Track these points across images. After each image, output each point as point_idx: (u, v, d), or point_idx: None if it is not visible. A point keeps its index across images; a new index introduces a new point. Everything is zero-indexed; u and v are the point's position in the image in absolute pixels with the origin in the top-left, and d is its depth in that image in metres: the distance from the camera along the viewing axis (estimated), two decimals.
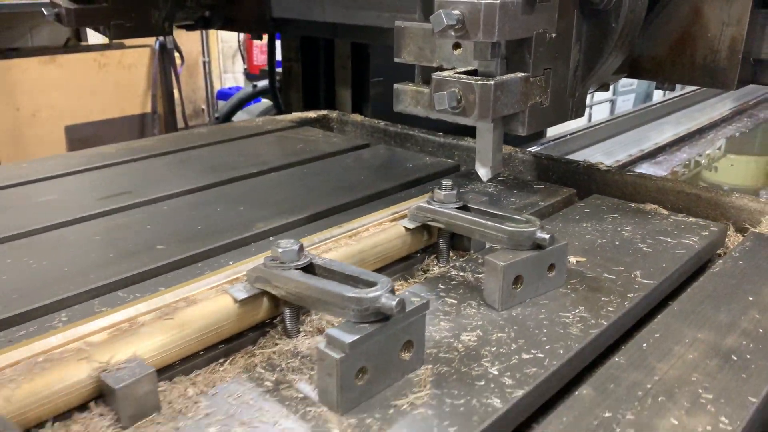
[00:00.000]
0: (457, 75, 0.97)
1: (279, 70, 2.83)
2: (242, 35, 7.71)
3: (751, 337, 0.82)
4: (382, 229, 0.96)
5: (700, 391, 0.72)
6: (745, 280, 0.96)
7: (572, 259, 0.99)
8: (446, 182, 0.97)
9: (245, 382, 0.72)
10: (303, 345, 0.79)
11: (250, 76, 8.15)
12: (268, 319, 0.82)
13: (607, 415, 0.68)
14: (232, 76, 8.22)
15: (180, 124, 7.14)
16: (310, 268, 0.78)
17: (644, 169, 3.02)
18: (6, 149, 5.71)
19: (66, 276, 0.93)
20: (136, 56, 6.56)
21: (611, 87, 1.86)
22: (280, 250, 0.77)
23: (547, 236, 0.87)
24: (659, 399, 0.71)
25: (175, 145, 1.55)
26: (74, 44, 6.89)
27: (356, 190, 1.27)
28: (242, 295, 0.77)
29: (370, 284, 0.71)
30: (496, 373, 0.74)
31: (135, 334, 0.70)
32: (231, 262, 0.94)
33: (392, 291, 0.69)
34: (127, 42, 6.29)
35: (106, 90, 6.33)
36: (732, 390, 0.72)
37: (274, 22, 2.04)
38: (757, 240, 1.10)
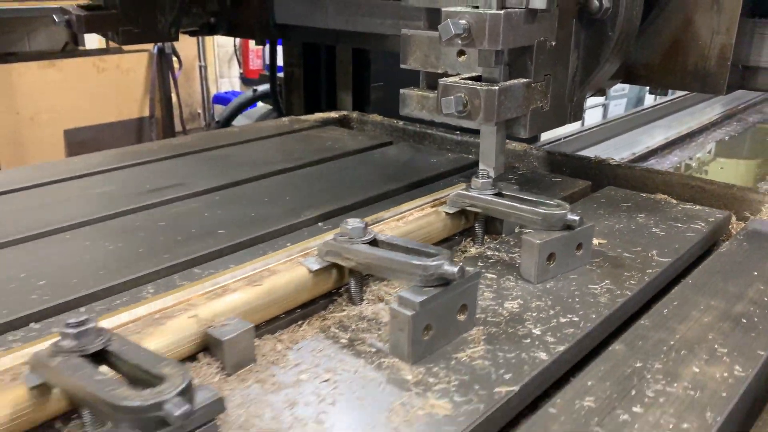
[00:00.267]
0: (462, 81, 1.04)
1: (280, 74, 2.89)
2: (239, 40, 7.81)
3: (757, 305, 0.94)
4: (425, 214, 1.08)
5: (716, 346, 0.84)
6: (749, 258, 1.08)
7: (594, 241, 1.11)
8: (483, 171, 1.08)
9: (323, 339, 0.83)
10: (367, 310, 0.90)
11: (246, 80, 8.23)
12: (335, 288, 0.93)
13: (638, 365, 0.80)
14: (228, 80, 8.30)
15: (177, 128, 7.21)
16: (374, 243, 0.89)
17: None
18: (5, 152, 5.74)
19: (143, 256, 1.04)
20: (135, 61, 6.60)
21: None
22: (348, 227, 0.88)
23: (576, 218, 0.98)
24: (681, 352, 0.82)
25: (212, 142, 1.66)
26: (72, 48, 6.93)
27: (390, 181, 1.39)
28: (315, 267, 0.88)
29: (431, 255, 0.83)
30: (539, 333, 0.85)
31: (231, 297, 0.80)
32: (288, 244, 1.04)
33: (452, 260, 0.80)
34: (126, 46, 6.36)
35: (105, 94, 6.36)
36: (743, 346, 0.84)
37: (278, 28, 2.09)
38: (759, 225, 1.22)
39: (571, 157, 1.58)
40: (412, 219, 1.06)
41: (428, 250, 0.84)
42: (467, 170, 1.48)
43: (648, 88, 1.49)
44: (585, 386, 0.76)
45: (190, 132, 7.61)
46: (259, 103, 5.27)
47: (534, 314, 0.90)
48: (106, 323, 0.72)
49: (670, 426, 0.70)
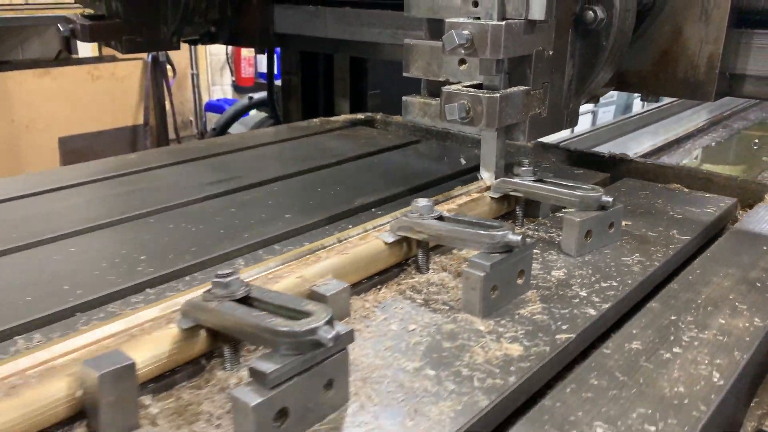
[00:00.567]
0: (465, 88, 1.11)
1: (277, 82, 2.95)
2: (231, 48, 7.93)
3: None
4: (472, 199, 1.23)
5: (736, 304, 0.99)
6: (757, 237, 1.24)
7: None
8: (524, 160, 1.23)
9: (402, 300, 0.98)
10: (434, 278, 1.05)
11: (238, 88, 8.34)
12: (404, 259, 1.07)
13: (673, 318, 0.95)
14: (220, 88, 8.39)
15: (171, 135, 7.30)
16: (440, 218, 1.04)
17: None
18: (0, 160, 5.80)
19: (225, 236, 1.18)
20: (129, 69, 6.67)
21: None
22: (419, 205, 1.03)
23: (610, 199, 1.14)
24: (708, 308, 0.98)
25: (253, 141, 1.80)
26: (65, 57, 7.00)
27: (429, 174, 1.53)
28: (390, 239, 1.03)
29: (495, 227, 0.97)
30: (585, 294, 1.00)
31: (324, 263, 0.95)
32: (350, 226, 1.18)
33: (515, 231, 0.95)
34: (120, 55, 6.44)
35: (100, 102, 6.43)
36: (760, 303, 1.00)
37: (278, 37, 2.16)
38: (763, 210, 1.38)
39: (587, 153, 1.74)
40: (462, 203, 1.20)
41: (491, 223, 0.99)
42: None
43: (637, 95, 1.61)
44: (631, 334, 0.91)
45: (184, 140, 7.71)
46: (252, 111, 5.38)
47: (578, 280, 1.05)
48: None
49: (706, 362, 0.85)
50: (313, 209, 1.31)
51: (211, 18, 2.14)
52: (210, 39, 2.21)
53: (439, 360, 0.83)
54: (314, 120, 2.07)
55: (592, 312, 0.95)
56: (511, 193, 1.24)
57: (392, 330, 0.90)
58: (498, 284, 0.94)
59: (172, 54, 7.15)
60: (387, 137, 1.88)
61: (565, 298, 0.99)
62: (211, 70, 8.30)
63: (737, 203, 1.43)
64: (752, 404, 0.99)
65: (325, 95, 2.63)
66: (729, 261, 1.14)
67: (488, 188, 1.26)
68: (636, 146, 3.92)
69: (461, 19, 1.06)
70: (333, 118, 2.09)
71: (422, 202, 1.04)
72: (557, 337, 0.89)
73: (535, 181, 1.22)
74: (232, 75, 8.32)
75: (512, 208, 1.27)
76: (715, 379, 0.81)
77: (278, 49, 2.61)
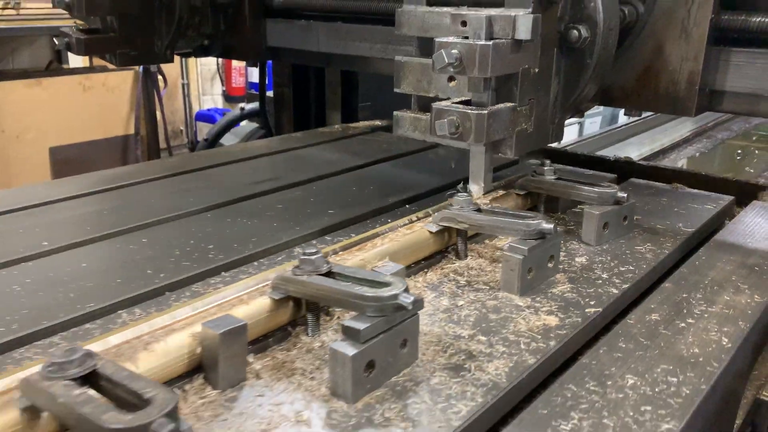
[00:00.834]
0: (454, 105, 1.17)
1: (269, 92, 3.03)
2: (221, 59, 8.06)
3: (765, 258, 1.26)
4: (500, 196, 1.38)
5: (739, 284, 1.16)
6: (754, 230, 1.41)
7: None
8: (545, 160, 1.39)
9: (447, 281, 1.13)
10: (472, 263, 1.20)
11: (229, 98, 8.45)
12: (445, 247, 1.23)
13: (684, 295, 1.11)
14: (210, 98, 8.50)
15: (162, 145, 7.38)
16: (479, 210, 1.19)
17: None
18: None
19: (279, 228, 1.33)
20: (120, 79, 6.72)
21: None
22: (460, 198, 1.18)
23: (625, 195, 1.30)
24: (714, 288, 1.14)
25: (282, 146, 1.96)
26: (56, 67, 7.09)
27: (450, 176, 1.69)
28: (434, 229, 1.18)
29: (529, 217, 1.13)
30: (606, 276, 1.16)
31: (380, 248, 1.10)
32: (389, 220, 1.34)
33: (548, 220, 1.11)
34: (111, 65, 6.53)
35: (91, 112, 6.47)
36: (759, 284, 1.16)
37: (270, 50, 2.20)
38: (759, 207, 1.55)
39: (594, 157, 1.90)
40: (492, 198, 1.36)
41: (525, 214, 1.15)
42: (512, 166, 1.80)
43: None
44: (649, 308, 1.07)
45: (175, 149, 7.81)
46: (243, 122, 5.51)
47: (599, 265, 1.21)
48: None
49: (715, 329, 1.01)
50: (353, 205, 1.46)
51: (204, 32, 2.18)
52: (203, 52, 2.27)
53: (488, 328, 0.98)
54: (335, 126, 2.22)
55: (614, 291, 1.11)
56: (534, 190, 1.40)
57: (443, 305, 1.05)
58: (533, 267, 1.10)
59: (163, 64, 7.21)
60: (406, 142, 2.03)
61: (590, 280, 1.15)
62: (201, 80, 8.42)
63: (734, 201, 1.60)
64: (751, 376, 1.15)
65: (316, 107, 2.69)
66: (729, 250, 1.30)
67: (513, 185, 1.42)
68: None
69: (450, 39, 1.12)
70: (353, 125, 2.24)
71: (462, 196, 1.19)
72: (586, 310, 1.04)
73: (556, 179, 1.38)
74: (222, 85, 8.44)
75: (536, 203, 1.43)
76: (724, 343, 0.97)
77: (270, 61, 2.66)
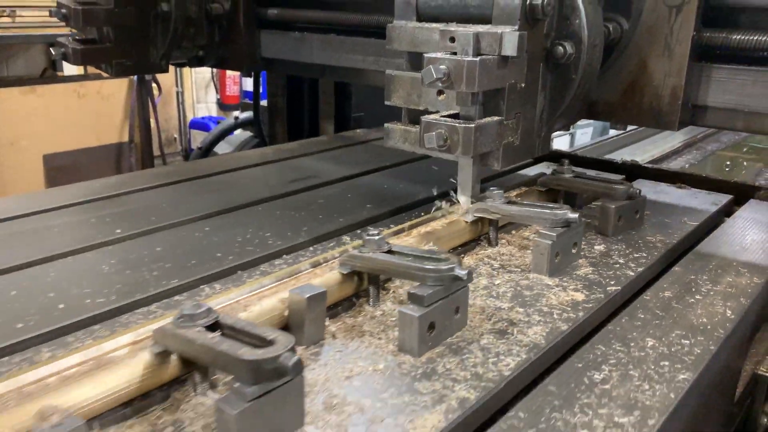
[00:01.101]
0: (442, 118, 1.23)
1: (263, 102, 3.10)
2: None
3: (761, 247, 1.44)
4: (525, 192, 1.56)
5: (739, 268, 1.34)
6: (751, 222, 1.59)
7: None
8: (565, 161, 1.57)
9: (482, 265, 1.31)
10: (503, 250, 1.38)
11: (223, 106, 8.60)
12: (478, 236, 1.40)
13: (692, 277, 1.29)
14: (205, 106, 8.63)
15: (156, 152, 7.50)
16: (510, 203, 1.37)
17: None
18: None
19: (325, 220, 1.50)
20: (115, 87, 6.82)
21: None
22: (494, 192, 1.36)
23: (638, 191, 1.48)
24: (718, 271, 1.32)
25: (311, 149, 2.14)
26: (51, 74, 7.19)
27: None
28: (470, 218, 1.36)
29: (556, 208, 1.31)
30: (623, 261, 1.34)
31: (424, 235, 1.27)
32: (423, 214, 1.51)
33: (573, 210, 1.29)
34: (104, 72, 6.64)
35: (85, 119, 6.56)
36: (756, 268, 1.34)
37: (264, 61, 2.26)
38: (755, 205, 1.74)
39: (603, 161, 2.09)
40: (517, 193, 1.54)
41: (552, 205, 1.33)
42: (528, 167, 1.98)
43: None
44: (662, 287, 1.25)
45: (168, 157, 7.94)
46: (237, 131, 5.66)
47: (616, 252, 1.38)
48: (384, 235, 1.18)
49: (720, 304, 1.19)
50: (387, 200, 1.63)
51: (199, 42, 2.24)
52: (198, 62, 2.32)
53: (524, 302, 1.16)
54: (357, 131, 2.40)
55: (630, 273, 1.29)
56: (555, 187, 1.57)
57: (483, 283, 1.22)
58: (559, 251, 1.27)
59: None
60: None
61: (608, 264, 1.33)
62: (196, 88, 8.54)
63: (733, 200, 1.78)
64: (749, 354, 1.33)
65: (310, 117, 2.81)
66: (732, 239, 1.49)
67: (536, 182, 1.59)
68: None
69: (439, 54, 1.17)
70: (373, 130, 2.42)
71: (495, 189, 1.37)
72: (608, 288, 1.22)
73: (575, 177, 1.56)
74: (217, 93, 8.57)
75: (556, 198, 1.61)
76: (728, 314, 1.15)
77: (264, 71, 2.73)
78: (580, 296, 1.19)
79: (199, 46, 2.25)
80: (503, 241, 1.41)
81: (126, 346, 0.86)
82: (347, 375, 0.93)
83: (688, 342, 1.06)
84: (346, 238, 1.42)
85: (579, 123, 8.02)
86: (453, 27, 1.24)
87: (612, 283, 1.24)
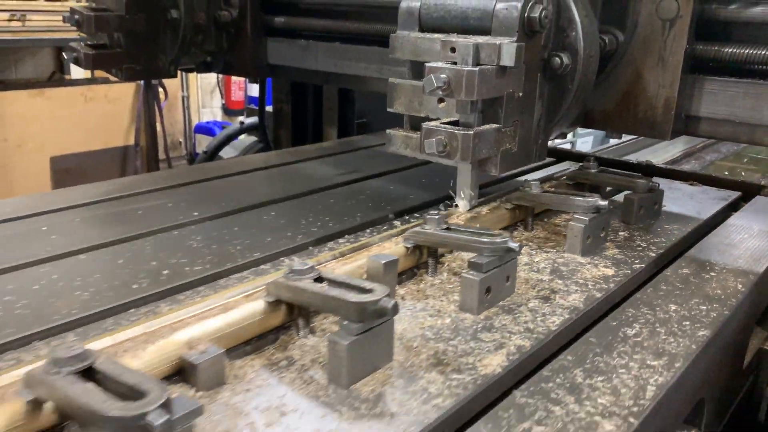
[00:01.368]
0: (443, 125, 1.29)
1: (268, 107, 3.27)
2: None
3: (766, 235, 1.65)
4: (555, 184, 1.76)
5: (748, 252, 1.54)
6: (755, 217, 1.80)
7: None
8: (591, 157, 1.78)
9: (529, 242, 1.51)
10: (539, 234, 1.58)
11: (228, 111, 8.79)
12: (514, 223, 1.60)
13: (707, 258, 1.50)
14: (210, 110, 8.83)
15: (161, 156, 7.68)
16: (545, 191, 1.57)
17: None
18: None
19: (372, 208, 1.69)
20: (121, 91, 6.96)
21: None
22: (532, 182, 1.56)
23: (657, 185, 1.69)
24: (729, 253, 1.53)
25: (324, 151, 2.34)
26: (58, 78, 7.37)
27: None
28: (509, 206, 1.56)
29: (588, 196, 1.51)
30: (644, 245, 1.55)
31: (477, 218, 1.47)
32: (441, 208, 1.70)
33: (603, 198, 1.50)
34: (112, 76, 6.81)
35: (92, 122, 6.70)
36: (763, 251, 1.55)
37: (270, 68, 2.36)
38: (761, 201, 1.95)
39: (620, 162, 2.30)
40: (548, 186, 1.74)
41: (584, 194, 1.53)
42: (549, 166, 2.19)
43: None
44: (680, 265, 1.46)
45: (174, 161, 8.12)
46: (242, 136, 5.84)
47: (638, 238, 1.59)
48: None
49: (732, 279, 1.39)
50: (399, 200, 1.79)
51: (206, 48, 2.33)
52: (206, 68, 2.41)
53: (562, 275, 1.36)
54: (369, 135, 2.60)
55: (652, 254, 1.49)
56: (582, 181, 1.78)
57: (524, 261, 1.42)
58: (590, 234, 1.48)
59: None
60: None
61: (632, 247, 1.53)
62: (201, 93, 8.73)
63: (741, 196, 1.99)
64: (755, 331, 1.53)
65: (314, 123, 2.93)
66: (740, 228, 1.70)
67: (563, 177, 1.80)
68: None
69: (440, 64, 1.23)
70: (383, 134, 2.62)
71: (533, 181, 1.57)
72: (633, 266, 1.42)
73: (599, 172, 1.77)
74: (222, 98, 8.77)
75: (582, 191, 1.81)
76: (740, 287, 1.36)
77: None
78: (610, 272, 1.39)
79: (207, 53, 2.35)
80: (538, 227, 1.62)
81: (241, 298, 1.05)
82: (420, 326, 1.12)
83: (705, 308, 1.26)
84: (396, 222, 1.62)
85: (579, 132, 8.25)
86: (454, 38, 1.31)
87: (637, 262, 1.45)
